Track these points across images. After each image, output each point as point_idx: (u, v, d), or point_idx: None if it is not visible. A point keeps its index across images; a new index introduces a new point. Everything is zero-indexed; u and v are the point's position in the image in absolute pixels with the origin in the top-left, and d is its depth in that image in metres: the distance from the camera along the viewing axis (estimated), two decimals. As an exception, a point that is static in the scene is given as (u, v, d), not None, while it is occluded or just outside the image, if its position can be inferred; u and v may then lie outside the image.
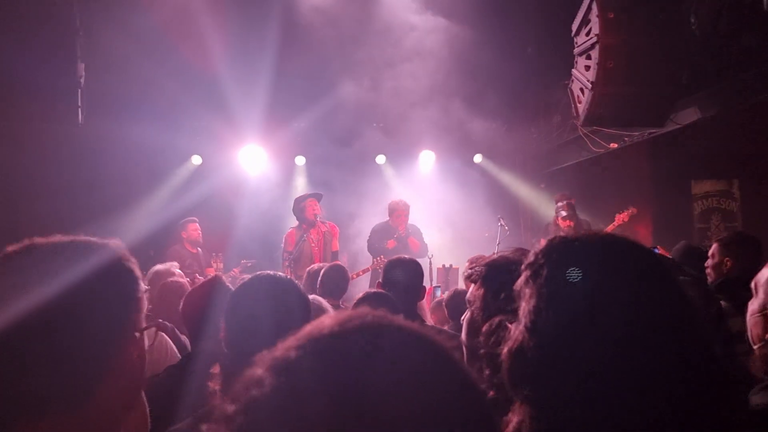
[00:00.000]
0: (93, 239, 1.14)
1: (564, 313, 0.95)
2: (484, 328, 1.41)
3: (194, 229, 8.81)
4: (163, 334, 3.35)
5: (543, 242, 1.08)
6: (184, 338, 3.89)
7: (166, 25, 8.95)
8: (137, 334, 1.14)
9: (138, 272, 1.18)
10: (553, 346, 0.95)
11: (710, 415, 0.92)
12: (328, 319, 0.64)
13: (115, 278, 1.11)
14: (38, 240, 1.11)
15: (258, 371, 0.59)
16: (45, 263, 1.06)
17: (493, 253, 1.99)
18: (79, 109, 6.20)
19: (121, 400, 1.13)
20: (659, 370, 0.91)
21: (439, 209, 10.85)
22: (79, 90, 6.13)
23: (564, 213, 8.48)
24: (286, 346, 0.61)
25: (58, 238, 1.12)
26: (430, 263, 8.42)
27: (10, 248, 1.10)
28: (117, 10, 8.33)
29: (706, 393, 0.92)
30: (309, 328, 0.63)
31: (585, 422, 0.90)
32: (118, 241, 1.18)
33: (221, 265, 8.94)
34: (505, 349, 0.99)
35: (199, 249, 8.88)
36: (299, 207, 8.00)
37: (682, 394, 0.91)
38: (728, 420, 0.93)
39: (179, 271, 6.14)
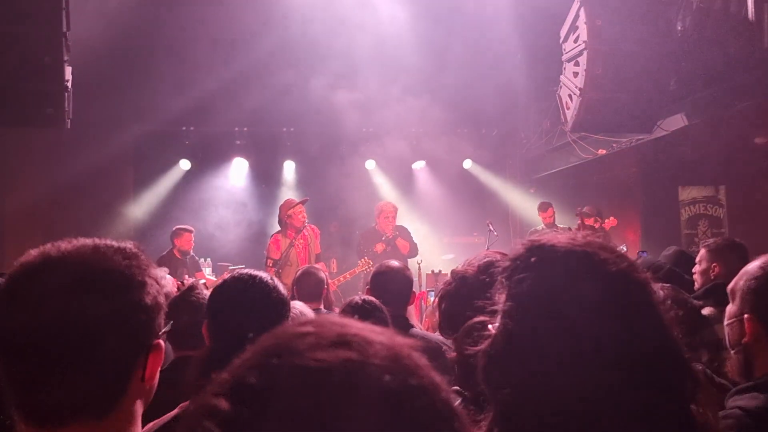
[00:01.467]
0: (114, 243, 1.14)
1: (534, 315, 0.96)
2: (461, 330, 1.41)
3: (188, 240, 8.68)
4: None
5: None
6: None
7: (154, 30, 8.94)
8: (161, 340, 1.14)
9: (159, 276, 1.17)
10: (522, 347, 0.96)
11: (678, 416, 0.93)
12: (298, 338, 0.59)
13: (140, 285, 1.10)
14: (62, 245, 1.09)
15: (214, 398, 0.56)
16: (74, 267, 1.05)
17: (460, 265, 1.96)
18: (67, 113, 6.15)
19: (143, 404, 1.14)
20: (625, 376, 0.92)
21: (428, 214, 10.86)
22: (67, 94, 6.07)
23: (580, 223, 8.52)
24: (248, 364, 0.57)
25: (81, 242, 1.11)
26: (420, 269, 8.41)
27: (34, 252, 1.09)
28: (105, 14, 8.30)
29: (673, 395, 0.93)
30: (276, 345, 0.59)
31: (547, 422, 0.91)
32: (136, 243, 1.17)
33: (209, 270, 8.90)
34: (481, 349, 1.00)
35: (191, 254, 8.81)
36: (287, 214, 7.87)
37: (648, 399, 0.91)
38: (697, 420, 0.94)
39: (169, 276, 6.11)
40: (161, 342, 1.14)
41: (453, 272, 1.92)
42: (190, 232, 8.70)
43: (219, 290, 2.12)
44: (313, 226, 8.13)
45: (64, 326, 1.01)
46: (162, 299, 1.15)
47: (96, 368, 1.03)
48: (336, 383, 0.54)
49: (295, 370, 0.55)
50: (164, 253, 8.60)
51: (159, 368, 1.14)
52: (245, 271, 2.13)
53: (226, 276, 6.59)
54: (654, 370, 0.93)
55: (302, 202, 7.98)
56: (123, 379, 1.07)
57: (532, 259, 1.00)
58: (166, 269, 6.43)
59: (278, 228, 8.05)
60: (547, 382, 0.92)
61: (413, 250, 8.44)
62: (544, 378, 0.93)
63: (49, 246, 1.09)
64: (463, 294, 1.72)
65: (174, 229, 8.73)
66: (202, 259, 9.04)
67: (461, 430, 0.60)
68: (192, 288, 2.93)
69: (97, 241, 1.13)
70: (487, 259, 1.79)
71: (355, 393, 0.54)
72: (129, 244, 1.15)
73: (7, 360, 1.03)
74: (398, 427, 0.54)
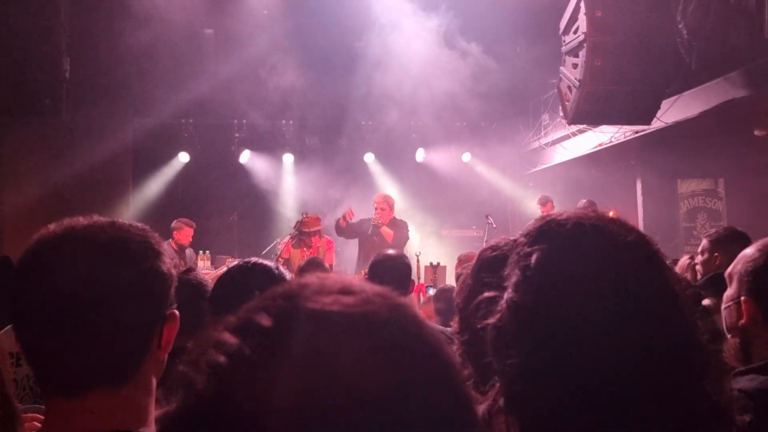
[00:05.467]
0: (128, 221, 1.18)
1: (542, 285, 0.96)
2: (472, 305, 1.39)
3: (187, 234, 8.61)
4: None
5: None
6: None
7: (152, 20, 8.90)
8: (175, 310, 1.17)
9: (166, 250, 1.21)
10: (530, 316, 0.95)
11: (689, 389, 0.92)
12: (305, 287, 0.60)
13: (156, 255, 1.14)
14: (79, 219, 1.13)
15: (222, 333, 0.57)
16: (94, 237, 1.09)
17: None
18: (64, 104, 6.13)
19: (157, 375, 1.16)
20: (635, 353, 0.91)
21: (427, 208, 10.85)
22: (65, 85, 6.05)
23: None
24: (255, 306, 0.59)
25: (98, 218, 1.15)
26: (418, 261, 8.41)
27: (53, 226, 1.12)
28: (103, 4, 8.27)
29: (683, 367, 0.93)
30: (283, 292, 0.61)
31: (553, 390, 0.91)
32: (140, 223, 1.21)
33: (209, 263, 8.88)
34: (490, 323, 1.00)
35: (188, 248, 8.80)
36: (306, 232, 8.04)
37: (657, 370, 0.91)
38: (709, 395, 0.93)
39: None
40: (176, 312, 1.17)
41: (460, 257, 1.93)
42: (191, 227, 8.64)
43: (222, 279, 2.13)
44: (328, 237, 8.28)
45: (86, 294, 1.04)
46: (172, 271, 1.18)
47: (117, 336, 1.06)
48: (341, 327, 0.56)
49: (303, 313, 0.57)
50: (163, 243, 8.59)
51: (173, 338, 1.17)
52: (250, 259, 2.13)
53: (226, 265, 6.61)
54: (664, 342, 0.92)
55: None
56: (142, 347, 1.10)
57: (542, 236, 1.00)
58: None
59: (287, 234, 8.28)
60: (553, 350, 0.92)
61: (397, 239, 8.39)
62: (550, 349, 0.92)
63: (67, 220, 1.13)
64: (473, 276, 1.71)
65: (175, 221, 8.67)
66: (201, 252, 9.02)
67: (461, 382, 0.60)
68: (189, 270, 2.91)
69: (112, 218, 1.17)
70: (493, 242, 1.78)
71: (358, 337, 0.55)
72: (140, 224, 1.19)
73: (32, 330, 1.06)
74: (397, 373, 0.55)
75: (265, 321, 0.57)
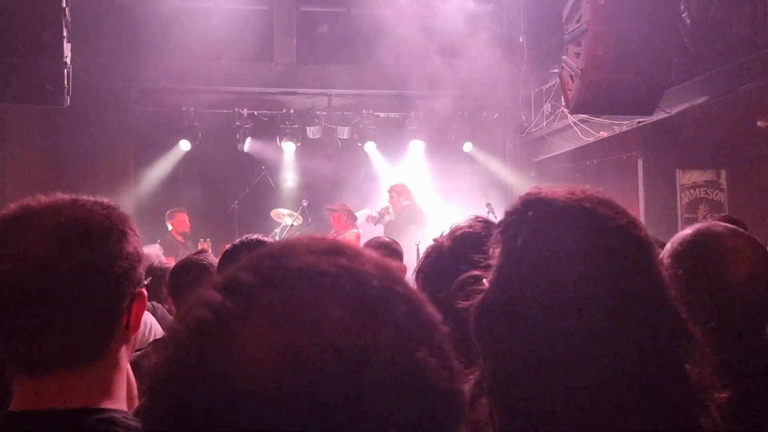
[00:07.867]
0: (92, 198, 1.17)
1: (527, 269, 0.95)
2: (454, 284, 1.38)
3: (183, 220, 8.72)
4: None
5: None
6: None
7: (153, 8, 8.88)
8: (143, 289, 1.17)
9: (136, 228, 1.21)
10: (514, 300, 0.95)
11: (670, 371, 0.92)
12: (292, 245, 0.61)
13: (121, 233, 1.14)
14: (41, 198, 1.12)
15: (208, 291, 0.57)
16: (55, 217, 1.08)
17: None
18: (66, 90, 6.12)
19: (129, 352, 1.18)
20: (619, 331, 0.91)
21: (427, 197, 10.84)
22: (66, 71, 6.04)
23: None
24: (242, 265, 0.59)
25: (59, 196, 1.14)
26: (418, 251, 8.43)
27: (14, 206, 1.11)
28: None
29: (666, 350, 0.93)
30: (270, 251, 0.61)
31: (537, 374, 0.91)
32: (110, 200, 1.21)
33: (210, 251, 8.90)
34: (472, 303, 0.99)
35: (186, 240, 8.84)
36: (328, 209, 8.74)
37: (640, 353, 0.91)
38: (691, 377, 0.93)
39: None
40: (144, 291, 1.17)
41: (428, 247, 1.91)
42: (183, 212, 8.72)
43: (227, 255, 2.16)
44: (357, 233, 8.57)
45: (47, 275, 1.04)
46: (141, 249, 1.18)
47: (80, 316, 1.06)
48: (325, 285, 0.56)
49: (287, 271, 0.57)
50: (165, 236, 8.62)
51: (142, 316, 1.18)
52: (253, 236, 2.14)
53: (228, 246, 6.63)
54: (648, 326, 0.92)
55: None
56: (108, 327, 1.11)
57: (529, 213, 0.99)
58: (160, 247, 6.45)
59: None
60: (538, 334, 0.91)
61: (398, 227, 8.65)
62: (535, 330, 0.92)
63: (28, 199, 1.12)
64: (438, 267, 1.70)
65: (167, 212, 8.74)
66: (202, 240, 9.04)
67: (443, 342, 0.60)
68: (201, 251, 2.94)
69: (74, 196, 1.16)
70: (461, 231, 1.76)
71: (342, 295, 0.55)
72: (106, 199, 1.19)
73: None
74: (381, 331, 0.55)
75: (250, 280, 0.57)
